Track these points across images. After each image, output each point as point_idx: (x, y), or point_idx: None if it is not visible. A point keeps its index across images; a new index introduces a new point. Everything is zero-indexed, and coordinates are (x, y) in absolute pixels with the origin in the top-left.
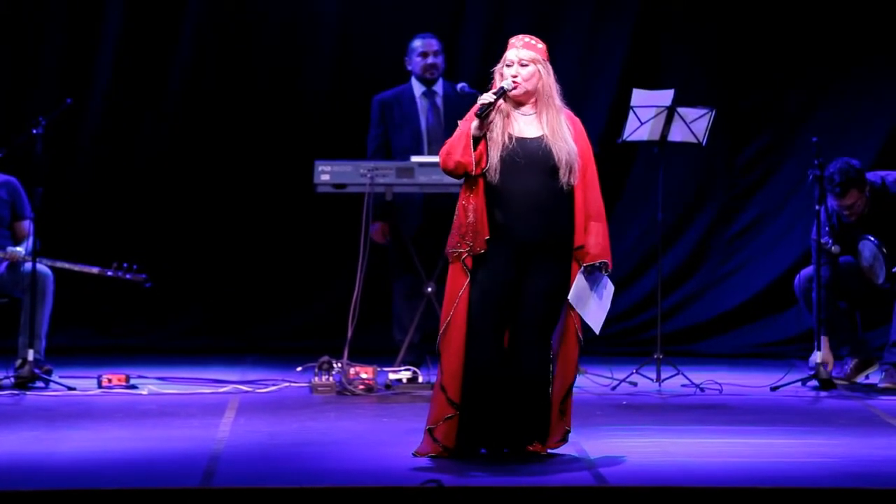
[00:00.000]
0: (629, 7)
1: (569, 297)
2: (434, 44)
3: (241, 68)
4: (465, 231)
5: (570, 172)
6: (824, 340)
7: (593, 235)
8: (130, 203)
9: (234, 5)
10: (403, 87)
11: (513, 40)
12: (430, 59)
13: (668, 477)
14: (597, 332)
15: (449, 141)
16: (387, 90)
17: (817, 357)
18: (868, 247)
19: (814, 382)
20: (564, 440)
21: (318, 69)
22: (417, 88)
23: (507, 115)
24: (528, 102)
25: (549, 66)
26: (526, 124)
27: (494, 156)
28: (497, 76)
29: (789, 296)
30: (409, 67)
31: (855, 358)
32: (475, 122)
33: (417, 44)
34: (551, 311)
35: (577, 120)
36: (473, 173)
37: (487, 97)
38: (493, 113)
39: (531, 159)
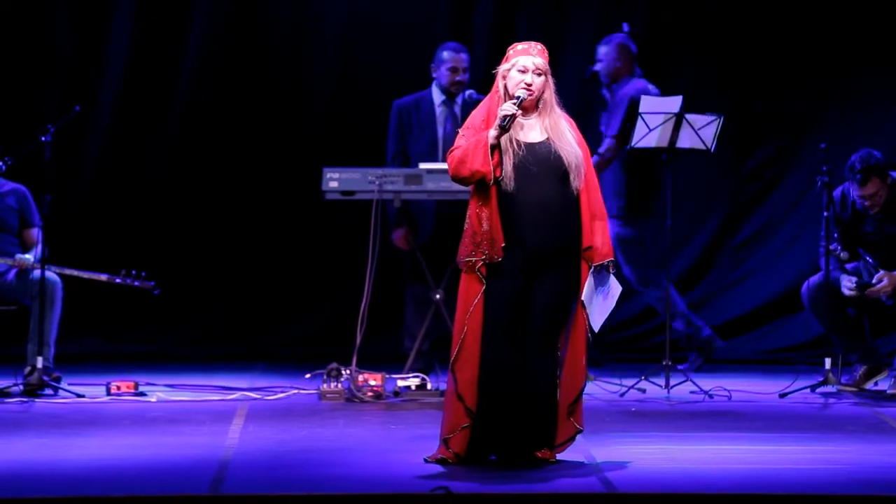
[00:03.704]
0: (637, 15)
1: (582, 298)
2: (465, 59)
3: (248, 75)
4: (479, 240)
5: (578, 175)
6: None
7: (599, 235)
8: (139, 210)
9: (240, 15)
10: (423, 94)
11: (523, 46)
12: (459, 77)
13: (676, 483)
14: (595, 330)
15: (461, 149)
16: (407, 95)
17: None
18: (868, 269)
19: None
20: (572, 440)
21: (324, 75)
22: (437, 96)
23: None
24: (531, 108)
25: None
26: (529, 129)
27: (508, 164)
28: (500, 78)
29: (797, 302)
30: (435, 75)
31: (864, 364)
32: (494, 132)
33: (447, 56)
34: (560, 317)
35: (573, 122)
36: (489, 182)
37: (510, 108)
38: (511, 122)
39: (543, 165)
